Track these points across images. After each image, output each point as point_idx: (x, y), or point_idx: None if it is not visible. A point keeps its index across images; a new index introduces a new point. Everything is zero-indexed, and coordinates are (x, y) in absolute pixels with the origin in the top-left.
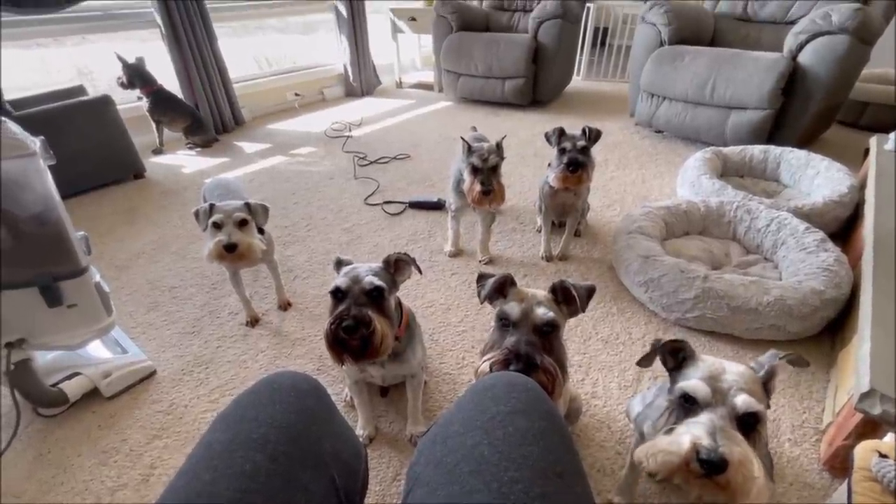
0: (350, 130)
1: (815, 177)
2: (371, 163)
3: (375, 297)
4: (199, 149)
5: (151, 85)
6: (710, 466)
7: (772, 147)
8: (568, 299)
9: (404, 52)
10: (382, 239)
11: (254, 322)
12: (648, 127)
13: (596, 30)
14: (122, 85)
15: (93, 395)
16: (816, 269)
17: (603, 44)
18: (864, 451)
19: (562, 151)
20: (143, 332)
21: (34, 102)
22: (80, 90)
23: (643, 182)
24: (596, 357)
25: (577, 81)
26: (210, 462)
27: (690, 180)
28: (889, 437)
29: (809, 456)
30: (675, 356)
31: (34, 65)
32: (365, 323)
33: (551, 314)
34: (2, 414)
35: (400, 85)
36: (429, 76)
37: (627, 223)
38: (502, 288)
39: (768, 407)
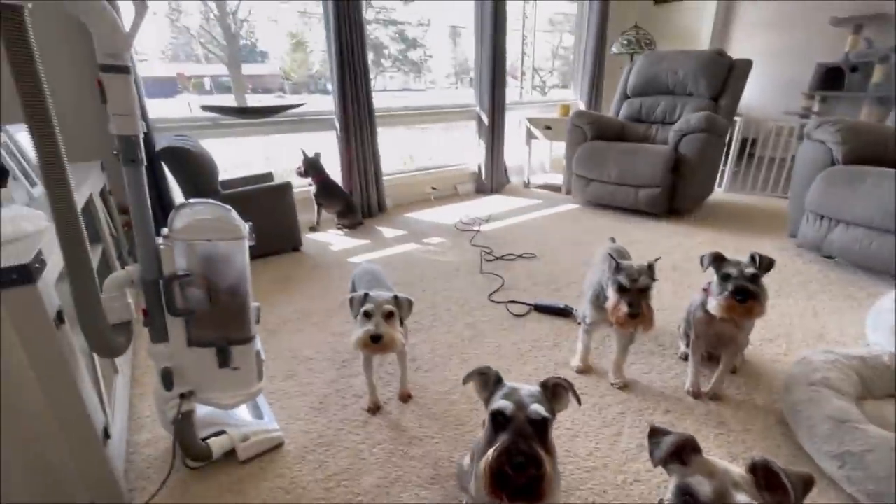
0: (479, 225)
1: None
2: (497, 258)
3: (540, 429)
4: (346, 230)
5: (321, 175)
6: None
7: None
8: (772, 485)
9: (535, 155)
10: (505, 340)
11: (375, 409)
12: (815, 251)
13: (743, 141)
14: (300, 174)
15: (229, 455)
16: None
17: (751, 155)
18: None
19: (725, 277)
20: (277, 399)
21: (236, 184)
22: (268, 176)
23: (815, 316)
24: None
25: (720, 193)
26: None
27: (890, 326)
28: None
29: None
30: None
31: (238, 150)
32: (536, 462)
33: None
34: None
35: (527, 185)
36: (557, 179)
37: (807, 370)
38: (681, 451)
39: None
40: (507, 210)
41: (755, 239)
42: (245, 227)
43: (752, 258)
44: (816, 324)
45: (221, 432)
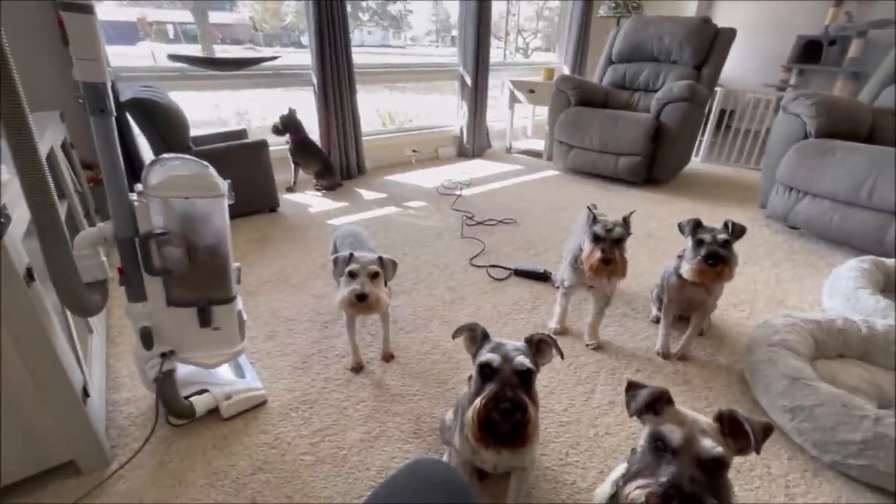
0: (460, 190)
1: None
2: (478, 223)
3: (525, 380)
4: (324, 191)
5: (299, 133)
6: None
7: None
8: (736, 433)
9: (517, 119)
10: (485, 303)
11: (358, 369)
12: (782, 222)
13: (722, 112)
14: (276, 131)
15: (212, 413)
16: None
17: (728, 127)
18: None
19: (699, 243)
20: (259, 359)
21: (209, 140)
22: (243, 133)
23: (777, 283)
24: None
25: (696, 163)
26: None
27: (844, 293)
28: None
29: None
30: None
31: (208, 105)
32: (522, 408)
33: (720, 449)
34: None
35: (509, 150)
36: (538, 144)
37: (767, 332)
38: (655, 403)
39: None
40: (488, 175)
41: (727, 209)
42: (224, 184)
43: (726, 225)
44: (779, 290)
45: (204, 391)
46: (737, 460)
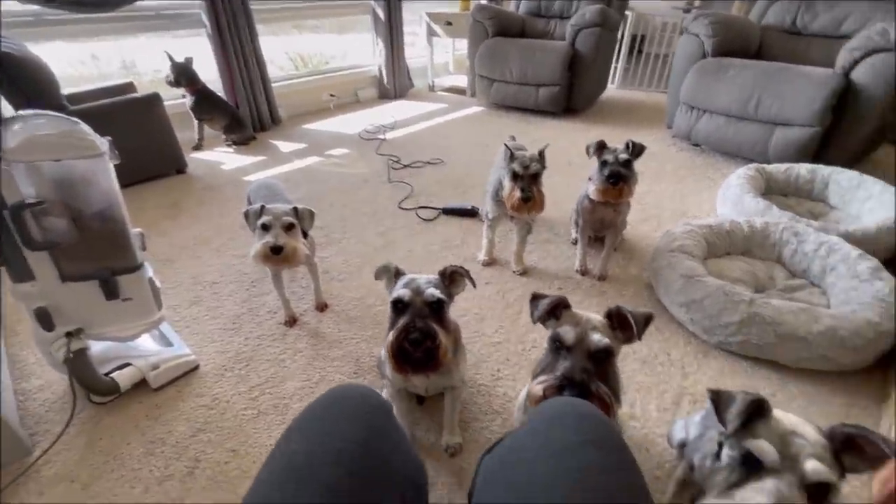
0: (384, 134)
1: (867, 200)
2: (405, 167)
3: (436, 309)
4: (236, 146)
5: (196, 84)
6: None
7: (820, 167)
8: (623, 325)
9: (438, 55)
10: (416, 244)
11: (292, 322)
12: (686, 140)
13: (633, 37)
14: (170, 83)
15: (140, 385)
16: (870, 299)
17: (640, 52)
18: None
19: (603, 164)
20: (186, 325)
21: (89, 98)
22: (130, 87)
23: (681, 197)
24: (633, 377)
25: (612, 90)
26: (292, 473)
27: (733, 199)
28: None
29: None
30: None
31: (84, 58)
32: (430, 336)
33: (606, 340)
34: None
35: (432, 88)
36: (461, 81)
37: (668, 241)
38: (555, 309)
39: (842, 476)
40: (412, 116)
41: (640, 131)
42: (102, 142)
43: (627, 145)
44: (682, 204)
45: (127, 364)
46: (644, 353)
